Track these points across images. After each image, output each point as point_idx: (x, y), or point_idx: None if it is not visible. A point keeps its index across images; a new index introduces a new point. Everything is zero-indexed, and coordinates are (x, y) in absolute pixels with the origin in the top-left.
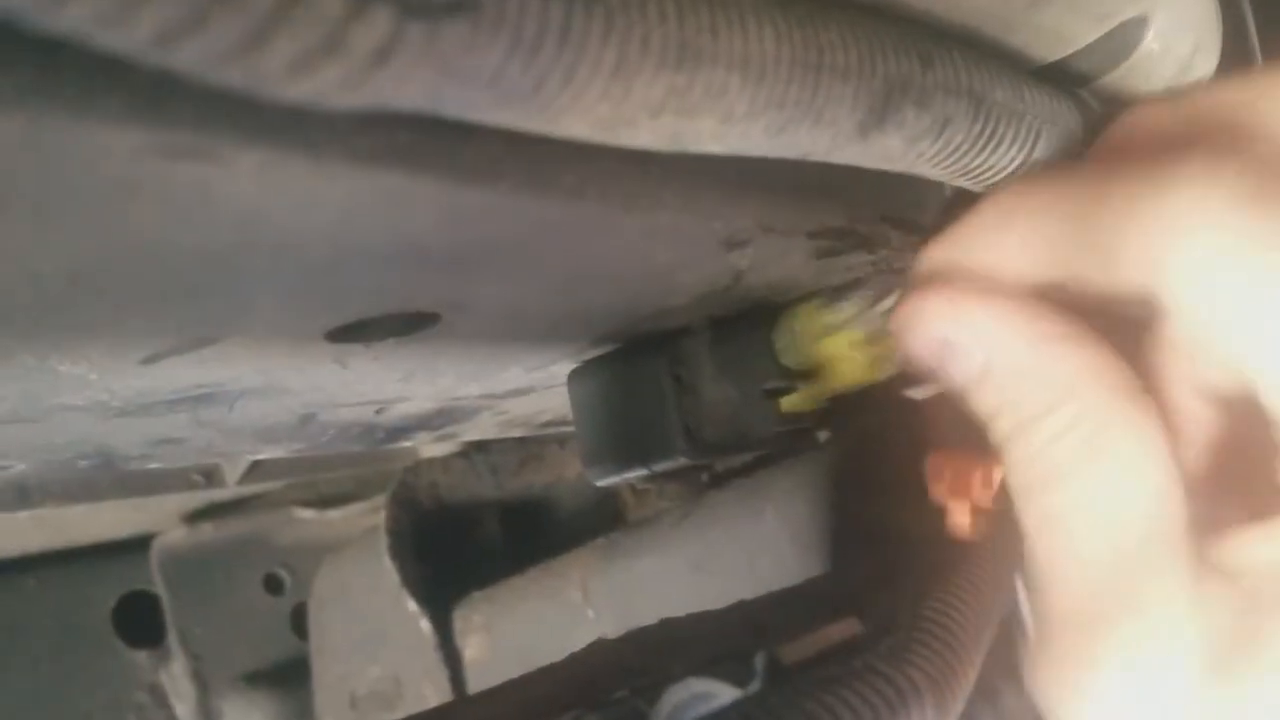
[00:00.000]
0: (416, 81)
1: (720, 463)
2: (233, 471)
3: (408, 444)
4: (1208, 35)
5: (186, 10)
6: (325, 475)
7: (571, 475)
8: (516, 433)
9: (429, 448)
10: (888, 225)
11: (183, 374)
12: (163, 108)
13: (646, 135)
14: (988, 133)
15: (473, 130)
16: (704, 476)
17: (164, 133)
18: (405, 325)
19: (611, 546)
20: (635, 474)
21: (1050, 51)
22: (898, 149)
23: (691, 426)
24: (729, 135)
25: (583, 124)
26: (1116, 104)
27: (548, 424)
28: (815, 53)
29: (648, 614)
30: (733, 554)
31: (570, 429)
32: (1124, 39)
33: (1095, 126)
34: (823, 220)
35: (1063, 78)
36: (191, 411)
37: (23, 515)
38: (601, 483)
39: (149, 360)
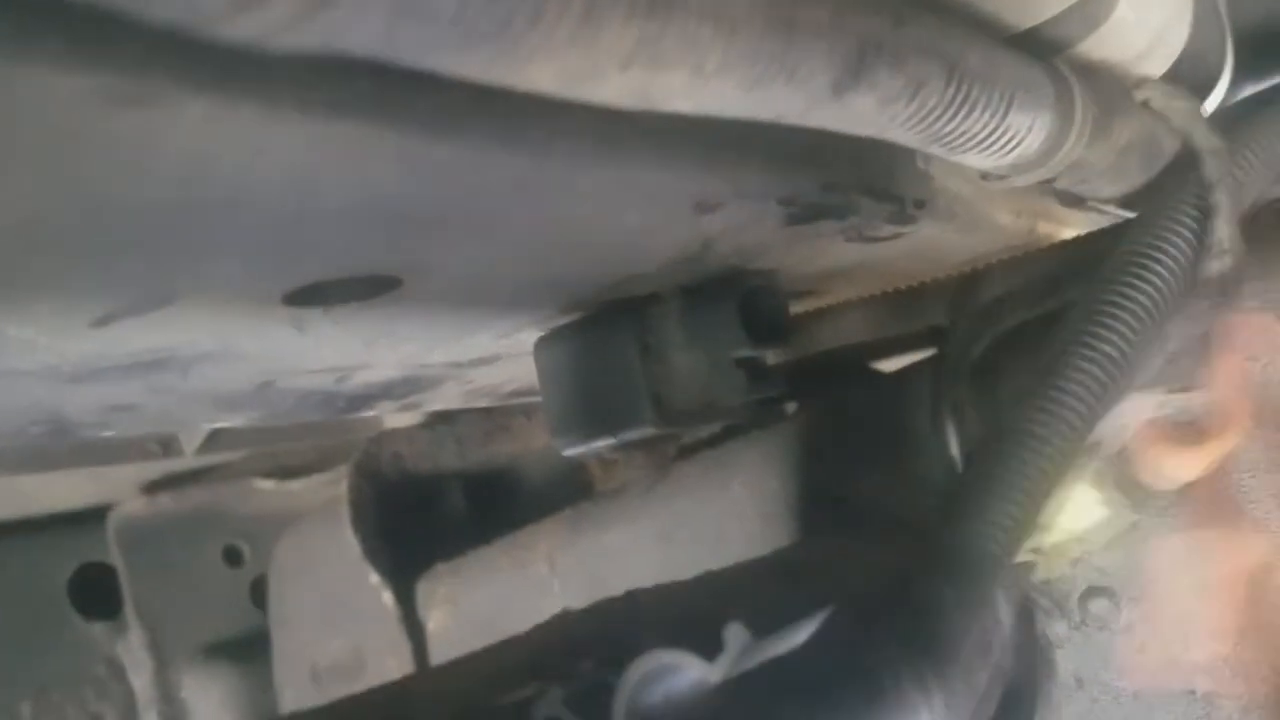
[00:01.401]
0: (369, 20)
1: (688, 434)
2: (190, 441)
3: (370, 414)
4: (1179, 5)
5: None
6: (286, 445)
7: (538, 446)
8: (482, 402)
9: (393, 418)
10: (859, 193)
11: (135, 338)
12: (105, 51)
13: (615, 90)
14: (960, 97)
15: (437, 80)
16: (672, 448)
17: (107, 77)
18: (366, 288)
19: (578, 518)
20: (603, 444)
21: (1023, 19)
22: (871, 111)
23: (660, 395)
24: (701, 92)
25: (549, 73)
26: (1089, 72)
27: (514, 393)
28: (788, 7)
29: (615, 585)
30: (700, 525)
31: (537, 399)
32: (1096, 7)
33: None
34: (795, 187)
35: (1035, 45)
36: (145, 377)
37: None
38: (569, 453)
39: (100, 323)
